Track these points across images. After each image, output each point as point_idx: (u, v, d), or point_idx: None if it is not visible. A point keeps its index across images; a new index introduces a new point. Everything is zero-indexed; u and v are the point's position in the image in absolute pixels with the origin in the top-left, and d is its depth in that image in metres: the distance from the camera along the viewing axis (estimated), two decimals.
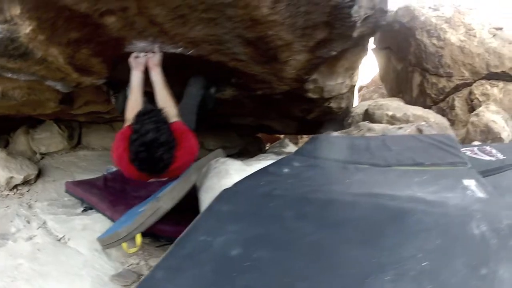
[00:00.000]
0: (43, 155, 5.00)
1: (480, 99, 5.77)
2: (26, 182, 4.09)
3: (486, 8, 6.63)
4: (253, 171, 2.40)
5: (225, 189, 2.05)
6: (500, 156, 2.83)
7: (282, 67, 3.10)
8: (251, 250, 1.48)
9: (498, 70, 5.78)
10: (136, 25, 2.45)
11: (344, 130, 4.31)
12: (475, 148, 3.06)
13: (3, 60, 2.57)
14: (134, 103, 2.63)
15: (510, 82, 5.80)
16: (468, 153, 2.93)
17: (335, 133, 3.98)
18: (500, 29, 6.03)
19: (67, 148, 5.24)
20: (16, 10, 2.14)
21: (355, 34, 2.85)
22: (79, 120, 5.09)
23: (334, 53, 3.04)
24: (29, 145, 4.97)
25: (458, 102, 6.15)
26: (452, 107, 6.21)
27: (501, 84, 5.80)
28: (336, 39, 2.78)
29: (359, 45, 3.42)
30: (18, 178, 3.99)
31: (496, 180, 2.34)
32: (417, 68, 6.89)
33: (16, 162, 4.16)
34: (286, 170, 2.40)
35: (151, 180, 2.61)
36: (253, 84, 3.56)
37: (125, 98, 3.03)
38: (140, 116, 2.22)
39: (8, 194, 3.89)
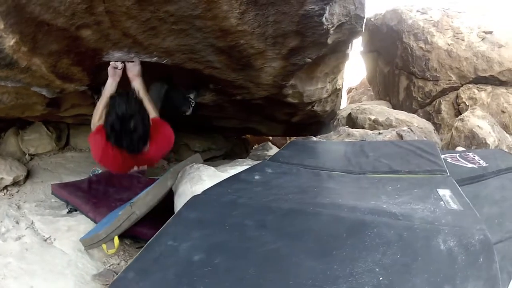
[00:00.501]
0: (32, 156, 5.03)
1: (467, 103, 5.80)
2: (15, 183, 4.13)
3: (476, 10, 6.67)
4: (226, 177, 2.48)
5: (194, 196, 2.14)
6: (483, 163, 2.85)
7: (258, 73, 3.15)
8: (213, 256, 1.55)
9: (487, 74, 5.81)
10: (111, 37, 2.53)
11: (324, 135, 4.34)
12: (457, 155, 3.09)
13: None
14: (102, 107, 2.69)
15: (499, 86, 5.84)
16: (449, 159, 2.97)
17: (315, 138, 4.02)
18: (490, 32, 6.05)
19: (55, 149, 5.27)
20: (0, 25, 2.22)
21: (330, 41, 2.89)
22: (67, 121, 5.14)
23: (309, 60, 3.07)
24: (19, 146, 4.98)
25: (445, 106, 6.17)
26: (439, 111, 6.23)
27: (489, 88, 5.84)
28: (309, 47, 2.82)
29: (338, 51, 3.43)
30: (8, 179, 4.03)
31: (476, 189, 2.40)
32: (404, 71, 6.92)
33: (5, 163, 4.20)
34: (257, 177, 2.47)
35: (133, 170, 2.68)
36: (231, 89, 3.62)
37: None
38: (112, 97, 2.37)
39: None
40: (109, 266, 2.80)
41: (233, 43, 2.62)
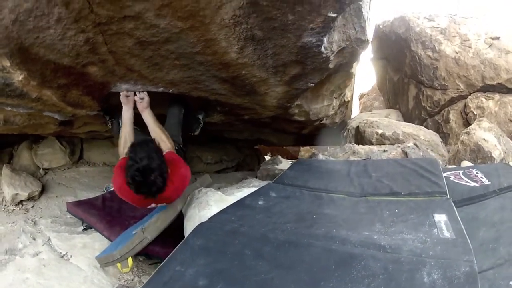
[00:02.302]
0: (46, 170, 5.16)
1: (475, 113, 5.78)
2: (30, 198, 4.27)
3: (483, 15, 6.65)
4: (232, 202, 2.64)
5: (200, 224, 2.31)
6: (485, 181, 2.87)
7: (262, 97, 3.25)
8: (215, 283, 1.71)
9: (494, 82, 5.77)
10: (117, 72, 2.65)
11: (331, 150, 4.45)
12: (460, 172, 3.12)
13: (2, 98, 2.77)
14: (126, 137, 2.87)
15: (506, 94, 5.80)
16: (452, 178, 3.03)
17: (321, 156, 4.13)
18: (497, 38, 6.01)
19: (69, 163, 5.41)
20: (6, 62, 2.34)
21: (331, 65, 2.97)
22: (80, 136, 5.24)
23: (312, 84, 3.16)
24: (32, 160, 5.12)
25: (453, 115, 6.16)
26: (447, 121, 6.22)
27: (497, 96, 5.80)
28: (311, 73, 2.90)
29: (342, 71, 3.51)
30: (23, 195, 4.17)
31: (475, 211, 2.46)
32: (413, 80, 6.90)
33: (20, 179, 4.35)
34: (261, 202, 2.62)
35: (150, 206, 2.86)
36: (238, 110, 3.72)
37: (118, 125, 3.30)
38: (134, 146, 2.44)
39: (13, 209, 4.07)
40: (124, 281, 2.92)
41: (235, 74, 2.72)
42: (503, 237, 2.05)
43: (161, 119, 3.14)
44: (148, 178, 2.33)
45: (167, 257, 1.99)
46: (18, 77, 2.48)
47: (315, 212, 2.44)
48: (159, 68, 2.63)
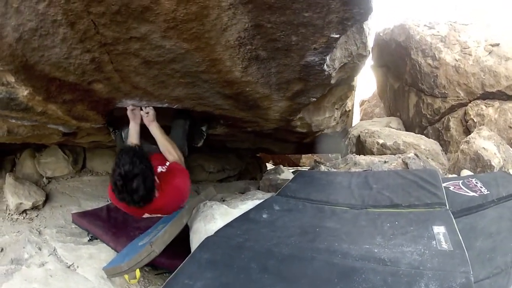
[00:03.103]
0: (49, 179, 5.21)
1: (475, 120, 5.80)
2: (34, 207, 4.31)
3: (482, 21, 6.66)
4: (237, 215, 2.72)
5: (207, 238, 2.39)
6: (484, 191, 2.94)
7: (265, 111, 3.32)
8: None
9: (494, 90, 5.79)
10: (122, 89, 2.71)
11: (332, 163, 4.52)
12: (460, 182, 3.18)
13: (6, 111, 2.82)
14: None
15: (506, 101, 5.81)
16: (452, 188, 3.08)
17: (323, 167, 4.19)
18: (497, 45, 6.02)
19: (72, 172, 5.46)
20: (11, 78, 2.40)
21: (333, 81, 3.04)
22: (83, 145, 5.32)
23: (314, 99, 3.23)
24: (35, 169, 5.18)
25: (453, 123, 6.19)
26: (448, 128, 6.25)
27: (496, 103, 5.83)
28: (313, 88, 2.97)
29: (344, 84, 3.58)
30: (27, 204, 4.22)
31: (473, 221, 2.52)
32: (413, 88, 6.94)
33: (24, 188, 4.39)
34: (264, 215, 2.70)
35: (144, 215, 2.92)
36: (241, 123, 3.79)
37: (121, 137, 3.42)
38: (119, 152, 2.49)
39: (17, 218, 4.12)
40: None
41: (239, 91, 2.79)
42: (499, 247, 2.12)
43: (166, 130, 3.20)
44: (130, 184, 2.36)
45: (175, 271, 2.06)
46: (23, 92, 2.53)
47: (317, 225, 2.51)
48: (164, 86, 2.68)
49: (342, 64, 2.88)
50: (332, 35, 2.28)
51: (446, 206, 2.59)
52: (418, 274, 1.75)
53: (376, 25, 8.33)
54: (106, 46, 2.18)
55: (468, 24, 6.64)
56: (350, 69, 3.12)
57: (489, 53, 6.01)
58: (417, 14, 7.36)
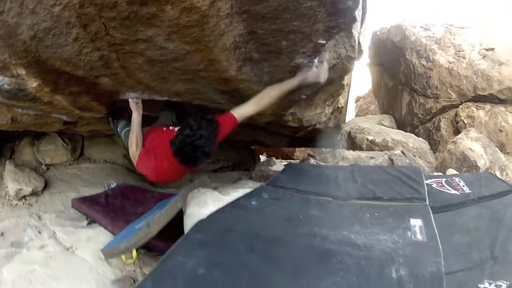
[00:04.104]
0: (48, 166, 5.43)
1: (465, 122, 5.99)
2: (34, 194, 4.53)
3: (479, 25, 6.79)
4: (228, 201, 2.97)
5: (200, 221, 2.65)
6: (466, 189, 3.05)
7: None
8: (212, 271, 2.05)
9: (486, 93, 5.96)
10: (126, 84, 2.96)
11: (321, 156, 4.76)
12: (443, 180, 3.33)
13: (14, 101, 3.06)
14: (137, 138, 3.10)
15: (498, 105, 5.99)
16: (434, 185, 3.23)
17: (312, 161, 4.46)
18: (492, 49, 6.19)
19: (70, 160, 5.69)
20: (22, 71, 2.64)
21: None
22: (82, 134, 5.50)
23: (304, 96, 3.47)
24: (34, 156, 5.39)
25: (444, 123, 6.37)
26: (438, 128, 6.44)
27: (488, 106, 5.99)
28: (303, 88, 3.17)
29: (334, 83, 3.74)
30: (27, 190, 4.44)
31: (452, 217, 2.63)
32: (406, 87, 7.14)
33: (24, 174, 4.62)
34: (254, 202, 2.94)
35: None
36: None
37: (121, 127, 3.65)
38: (197, 120, 2.59)
39: (17, 204, 4.34)
40: (126, 272, 3.17)
41: (234, 87, 3.04)
42: (476, 243, 2.21)
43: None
44: (195, 153, 2.54)
45: (170, 249, 2.30)
46: (32, 84, 2.77)
47: (302, 213, 2.73)
48: (165, 81, 2.93)
49: (331, 65, 3.07)
50: (319, 41, 2.55)
51: (426, 201, 2.77)
52: (390, 259, 1.93)
53: (374, 24, 8.54)
54: (115, 46, 2.43)
55: (464, 28, 6.79)
56: (339, 69, 3.28)
57: (483, 57, 6.17)
58: (416, 15, 7.53)
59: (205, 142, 2.53)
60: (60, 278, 2.93)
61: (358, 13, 2.72)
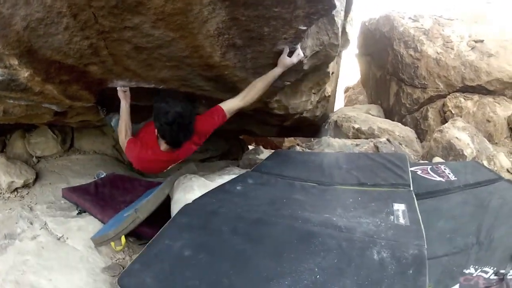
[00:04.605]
0: (39, 158, 5.49)
1: (453, 112, 6.10)
2: (25, 186, 4.60)
3: (469, 18, 6.87)
4: (213, 187, 3.07)
5: (185, 205, 2.75)
6: (452, 177, 3.15)
7: None
8: (198, 253, 2.16)
9: (474, 84, 6.08)
10: (114, 71, 3.04)
11: (307, 144, 4.83)
12: (428, 168, 3.41)
13: (6, 92, 3.08)
14: (126, 126, 3.27)
15: (486, 96, 6.10)
16: (419, 172, 3.33)
17: (298, 148, 4.53)
18: (481, 41, 6.30)
19: (60, 152, 5.74)
20: (14, 61, 2.68)
21: (306, 67, 3.35)
22: (72, 125, 5.56)
23: (288, 83, 3.55)
24: (25, 149, 5.42)
25: (432, 113, 6.49)
26: (426, 118, 6.55)
27: (476, 97, 6.11)
28: (287, 74, 3.22)
29: (319, 70, 3.86)
30: (19, 182, 4.50)
31: (438, 203, 2.72)
32: (394, 77, 7.26)
33: (15, 167, 4.67)
34: (238, 187, 3.04)
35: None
36: None
37: (111, 115, 3.81)
38: (163, 97, 2.80)
39: (9, 197, 4.38)
40: (116, 260, 3.23)
41: (218, 74, 3.12)
42: (461, 229, 2.29)
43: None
44: (184, 122, 2.75)
45: (157, 233, 2.41)
46: (24, 74, 2.81)
47: (286, 197, 2.82)
48: (151, 68, 3.01)
49: (314, 52, 3.17)
50: (300, 27, 2.63)
51: (410, 187, 2.84)
52: (372, 241, 1.99)
53: (363, 14, 8.62)
54: (103, 34, 2.51)
55: (453, 19, 6.89)
56: (323, 56, 3.37)
57: (472, 48, 6.28)
58: (405, 5, 7.62)
59: (183, 118, 2.71)
60: (52, 268, 2.96)
61: (340, 1, 2.83)
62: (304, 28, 2.66)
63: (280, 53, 2.92)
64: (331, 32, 3.10)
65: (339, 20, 3.10)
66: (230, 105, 3.13)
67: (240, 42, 2.71)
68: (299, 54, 2.97)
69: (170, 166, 3.22)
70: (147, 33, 2.51)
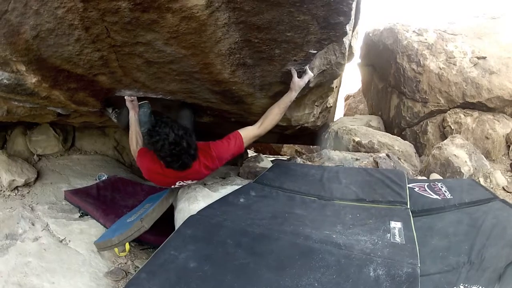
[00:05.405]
0: (40, 156, 5.52)
1: (452, 127, 6.12)
2: (26, 184, 4.63)
3: (473, 33, 6.85)
4: (217, 198, 3.14)
5: (190, 216, 2.82)
6: (448, 195, 3.16)
7: (249, 106, 3.71)
8: (202, 265, 2.22)
9: (474, 100, 6.07)
10: (123, 82, 3.11)
11: (308, 156, 4.90)
12: (426, 185, 3.44)
13: (12, 95, 3.17)
14: (136, 135, 3.35)
15: (486, 113, 6.09)
16: (417, 189, 3.35)
17: (299, 160, 4.62)
18: (483, 58, 6.25)
19: (61, 150, 5.80)
20: (22, 67, 2.76)
21: (312, 85, 3.41)
22: (73, 124, 5.54)
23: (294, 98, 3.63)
24: (26, 146, 5.47)
25: (431, 127, 6.52)
26: (425, 132, 6.59)
27: (476, 113, 6.10)
28: None
29: (323, 86, 3.90)
30: (20, 181, 4.55)
31: (432, 221, 2.74)
32: (395, 90, 7.28)
33: (17, 165, 4.72)
34: (241, 200, 3.11)
35: (177, 184, 3.22)
36: (226, 114, 4.19)
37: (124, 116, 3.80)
38: (154, 128, 2.76)
39: (10, 195, 4.42)
40: (118, 264, 3.30)
41: (226, 88, 3.20)
42: (454, 247, 2.32)
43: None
44: (181, 146, 2.72)
45: (163, 244, 2.47)
46: (31, 79, 2.89)
47: (287, 211, 2.89)
48: (160, 81, 3.09)
49: (320, 71, 3.22)
50: (310, 51, 2.74)
51: (407, 205, 2.90)
52: (369, 259, 2.07)
53: (367, 24, 8.65)
54: (115, 47, 2.58)
55: (457, 34, 6.88)
56: (329, 75, 3.42)
57: (474, 65, 6.25)
58: (410, 18, 7.63)
59: (177, 146, 2.73)
60: (55, 271, 3.03)
61: (350, 20, 2.89)
62: (315, 52, 2.77)
63: (288, 72, 3.00)
64: (339, 52, 3.13)
65: (347, 40, 3.12)
66: (248, 132, 3.20)
67: (251, 61, 2.79)
68: (309, 73, 3.06)
69: (178, 183, 3.23)
70: (159, 49, 2.59)
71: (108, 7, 2.17)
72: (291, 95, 3.16)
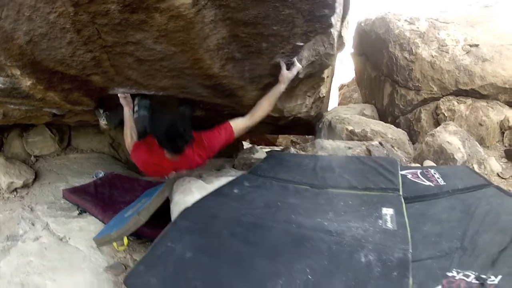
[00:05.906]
0: (37, 157, 5.61)
1: (446, 114, 6.22)
2: (25, 186, 4.72)
3: (465, 21, 6.94)
4: (212, 190, 3.20)
5: (186, 208, 2.88)
6: (441, 181, 3.20)
7: (240, 99, 3.79)
8: (198, 255, 2.29)
9: (467, 88, 6.17)
10: (116, 80, 3.18)
11: (301, 146, 4.95)
12: (418, 172, 3.48)
13: (8, 98, 3.25)
14: (130, 131, 3.43)
15: (479, 100, 6.19)
16: (409, 176, 3.40)
17: (293, 150, 4.67)
18: (476, 45, 6.36)
19: (58, 150, 5.89)
20: (17, 71, 2.83)
21: (301, 75, 3.47)
22: (69, 124, 5.70)
23: (284, 89, 3.64)
24: (23, 148, 5.56)
25: (425, 115, 6.60)
26: (419, 119, 6.68)
27: (469, 100, 6.21)
28: None
29: (314, 76, 3.92)
30: (18, 183, 4.64)
31: (425, 207, 2.76)
32: (388, 78, 7.37)
33: (15, 167, 4.80)
34: (236, 191, 3.17)
35: (173, 172, 3.35)
36: (219, 108, 4.28)
37: (114, 118, 3.95)
38: (152, 117, 2.97)
39: (9, 197, 4.51)
40: (118, 259, 3.33)
41: (217, 82, 3.27)
42: (447, 233, 2.33)
43: None
44: (178, 130, 2.80)
45: (159, 236, 2.54)
46: (26, 82, 2.96)
47: (280, 201, 2.93)
48: (152, 78, 3.16)
49: (309, 62, 3.25)
50: (297, 43, 2.82)
51: (399, 192, 2.94)
52: (360, 245, 2.11)
53: (359, 13, 8.69)
54: (106, 47, 2.66)
55: (449, 23, 6.96)
56: (318, 65, 3.46)
57: (467, 52, 6.35)
58: (401, 7, 7.70)
59: (177, 125, 2.83)
60: (56, 268, 3.05)
61: (339, 8, 2.90)
62: (301, 44, 2.85)
63: (276, 65, 3.09)
64: (327, 43, 3.16)
65: (335, 31, 3.16)
66: (238, 123, 3.30)
67: (239, 55, 2.87)
68: (297, 65, 3.15)
69: (172, 173, 3.32)
70: (150, 47, 2.66)
71: (98, 10, 2.24)
72: (280, 87, 3.25)
